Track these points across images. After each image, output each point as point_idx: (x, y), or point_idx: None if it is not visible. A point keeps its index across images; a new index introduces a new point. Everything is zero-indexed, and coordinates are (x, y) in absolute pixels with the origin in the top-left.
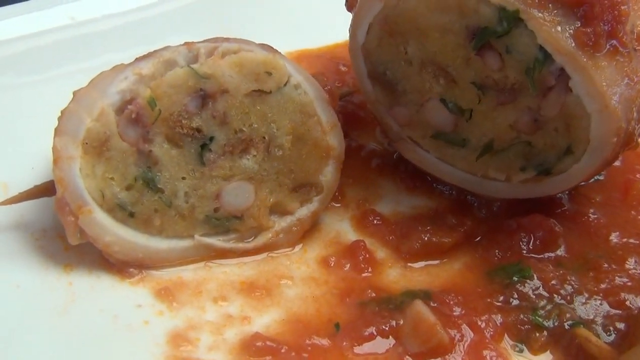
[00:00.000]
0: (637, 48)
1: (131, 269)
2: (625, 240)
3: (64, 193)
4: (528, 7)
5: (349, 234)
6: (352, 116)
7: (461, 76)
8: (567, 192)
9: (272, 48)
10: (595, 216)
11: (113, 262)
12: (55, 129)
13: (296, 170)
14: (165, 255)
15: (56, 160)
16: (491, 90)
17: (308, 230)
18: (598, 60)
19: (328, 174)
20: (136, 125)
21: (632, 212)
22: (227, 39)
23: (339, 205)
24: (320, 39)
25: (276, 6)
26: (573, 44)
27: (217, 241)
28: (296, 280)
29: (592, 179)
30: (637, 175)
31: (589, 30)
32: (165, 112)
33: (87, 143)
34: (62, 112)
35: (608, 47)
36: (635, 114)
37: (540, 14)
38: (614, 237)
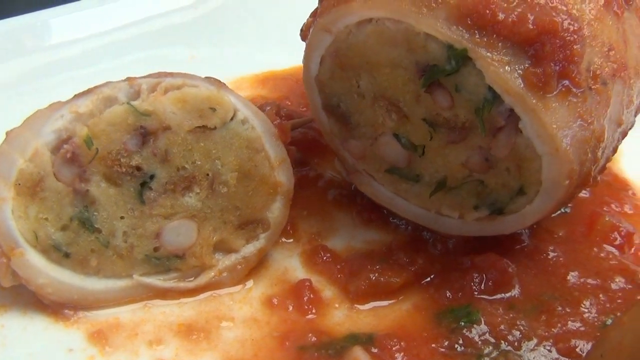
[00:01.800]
0: (592, 87)
1: (66, 311)
2: (583, 280)
3: None
4: (476, 45)
5: (298, 271)
6: (312, 143)
7: (412, 112)
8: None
9: (219, 82)
10: (555, 254)
11: (47, 304)
12: None
13: (242, 207)
14: (102, 296)
15: None
16: (442, 128)
17: (255, 268)
18: (549, 102)
19: (276, 211)
20: (72, 165)
21: (595, 248)
22: (170, 74)
23: (290, 240)
24: (288, 60)
25: (244, 26)
26: (522, 85)
27: (156, 281)
28: (237, 322)
29: (558, 212)
30: (605, 208)
31: (539, 71)
32: (102, 151)
33: (19, 184)
34: None
35: (560, 87)
36: (589, 155)
37: (488, 53)
38: (572, 277)
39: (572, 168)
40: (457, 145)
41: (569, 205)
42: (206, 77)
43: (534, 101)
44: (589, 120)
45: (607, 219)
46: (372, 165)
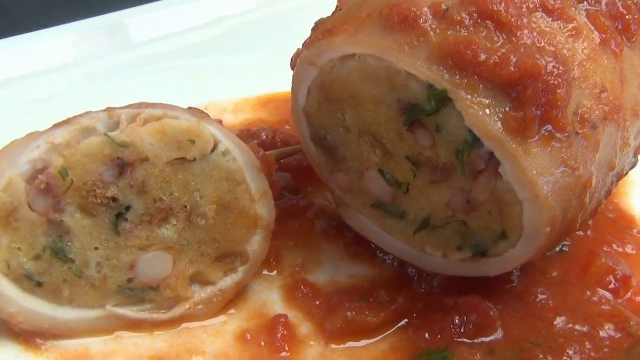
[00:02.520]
0: (579, 132)
1: (37, 340)
2: (570, 326)
3: None
4: (456, 87)
5: (277, 305)
6: (307, 171)
7: (396, 149)
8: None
9: (202, 113)
10: (545, 296)
11: (18, 332)
12: None
13: (220, 239)
14: (74, 326)
15: None
16: (425, 167)
17: (233, 300)
18: (530, 147)
19: (255, 244)
20: (47, 196)
21: (587, 292)
22: (152, 105)
23: (272, 272)
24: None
25: (248, 48)
26: (502, 129)
27: (129, 312)
28: (208, 356)
29: (556, 249)
30: (605, 248)
31: (520, 115)
32: (78, 182)
33: None
34: None
35: (543, 132)
36: (574, 201)
37: (468, 96)
38: (559, 322)
39: (554, 215)
40: (439, 185)
41: (567, 243)
42: (189, 108)
43: (514, 146)
44: (574, 166)
45: (603, 260)
46: (359, 199)
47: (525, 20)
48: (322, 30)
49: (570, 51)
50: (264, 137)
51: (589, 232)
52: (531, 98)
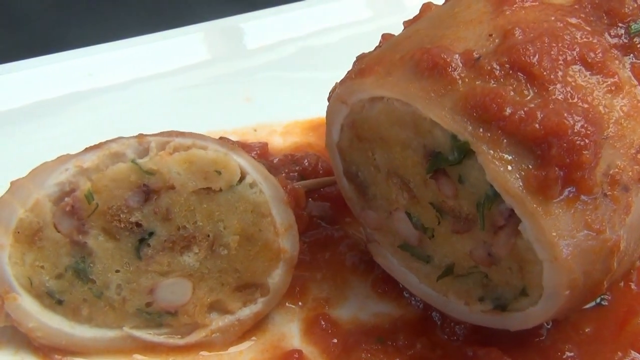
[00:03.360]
0: (608, 193)
1: (55, 355)
2: None
3: None
4: (478, 140)
5: (294, 338)
6: (345, 201)
7: (421, 194)
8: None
9: (231, 144)
10: (572, 354)
11: (37, 346)
12: None
13: (242, 270)
14: (91, 344)
15: None
16: (448, 215)
17: (252, 329)
18: (551, 207)
19: (276, 277)
20: (71, 217)
21: (619, 353)
22: (182, 134)
23: (297, 304)
24: None
25: (302, 71)
26: (522, 187)
27: (146, 335)
28: None
29: (594, 302)
30: None
31: (542, 174)
32: (103, 206)
33: (18, 232)
34: None
35: (566, 193)
36: (599, 265)
37: (490, 150)
38: None
39: (575, 278)
40: (462, 235)
41: (606, 297)
42: (220, 138)
43: (534, 206)
44: (599, 229)
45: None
46: (387, 238)
47: (559, 74)
48: (356, 69)
49: (607, 108)
50: (306, 163)
51: (632, 286)
52: (555, 158)
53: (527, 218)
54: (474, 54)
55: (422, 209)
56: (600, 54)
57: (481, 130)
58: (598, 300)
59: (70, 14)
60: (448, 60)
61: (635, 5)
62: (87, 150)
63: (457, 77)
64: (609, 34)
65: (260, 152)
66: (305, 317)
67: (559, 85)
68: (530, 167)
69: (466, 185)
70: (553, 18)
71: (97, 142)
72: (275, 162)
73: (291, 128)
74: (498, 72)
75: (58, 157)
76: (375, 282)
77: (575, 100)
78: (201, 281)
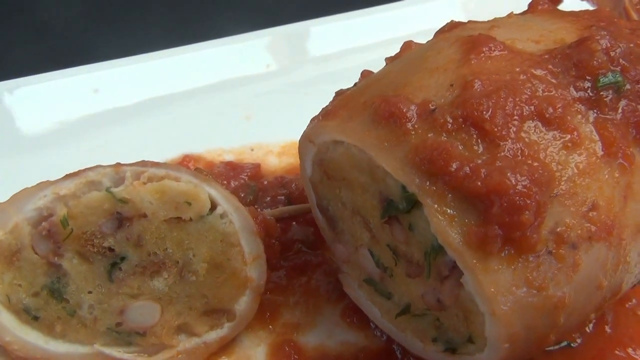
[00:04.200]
0: (553, 251)
1: None
2: None
3: None
4: (424, 193)
5: None
6: None
7: (379, 236)
8: None
9: (205, 176)
10: None
11: (14, 359)
12: None
13: (209, 295)
14: (64, 359)
15: None
16: (402, 259)
17: (219, 351)
18: (490, 263)
19: (243, 304)
20: (48, 240)
21: None
22: (156, 164)
23: (267, 328)
24: None
25: (303, 94)
26: (462, 242)
27: (115, 352)
28: None
29: (564, 343)
30: (616, 351)
31: (482, 231)
32: (78, 231)
33: None
34: None
35: (507, 250)
36: (543, 320)
37: (435, 204)
38: None
39: (514, 332)
40: (414, 279)
41: (578, 340)
42: (195, 169)
43: (473, 261)
44: (541, 287)
45: None
46: (354, 271)
47: (512, 130)
48: (324, 110)
49: (560, 165)
50: (294, 187)
51: (607, 329)
52: (495, 216)
53: (467, 272)
54: (431, 105)
55: (381, 249)
56: (560, 109)
57: (428, 183)
58: (566, 342)
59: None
60: (404, 110)
61: (605, 59)
62: (67, 177)
63: (411, 128)
64: (575, 87)
65: (252, 174)
66: (273, 341)
67: (510, 142)
68: (472, 222)
69: (415, 233)
70: (518, 69)
71: (76, 170)
72: (265, 183)
73: (288, 149)
74: (450, 125)
75: (38, 184)
76: (345, 311)
77: (524, 157)
78: (169, 304)
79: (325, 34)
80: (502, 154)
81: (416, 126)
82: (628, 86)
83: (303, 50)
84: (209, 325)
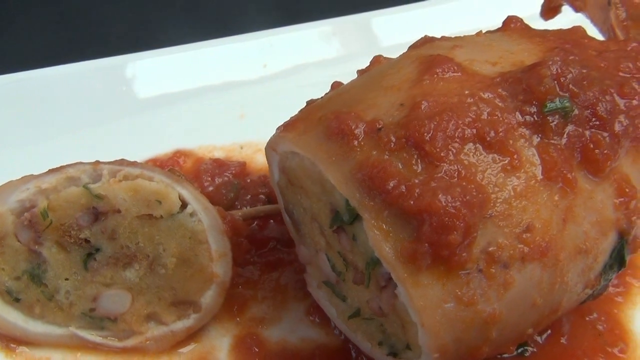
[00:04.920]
0: (482, 269)
1: (11, 344)
2: None
3: None
4: (363, 208)
5: (222, 353)
6: None
7: (332, 243)
8: None
9: (178, 176)
10: None
11: None
12: None
13: (177, 288)
14: (42, 338)
15: None
16: (350, 266)
17: (186, 339)
18: (420, 278)
19: (209, 298)
20: (29, 230)
21: None
22: (132, 163)
23: (234, 320)
24: None
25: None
26: (394, 256)
27: (89, 335)
28: None
29: (516, 352)
30: None
31: (412, 247)
32: (56, 222)
33: None
34: None
35: (437, 266)
36: (474, 333)
37: (372, 220)
38: None
39: (443, 343)
40: (360, 286)
41: (530, 348)
42: (168, 170)
43: (404, 274)
44: (470, 302)
45: None
46: (315, 273)
47: (452, 151)
48: (287, 121)
49: (497, 187)
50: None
51: (563, 340)
52: (425, 234)
53: (400, 284)
54: (378, 123)
55: (334, 255)
56: (502, 133)
57: (367, 198)
58: (520, 350)
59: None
60: (352, 127)
61: (553, 85)
62: (49, 172)
63: (357, 145)
64: (521, 112)
65: (237, 172)
66: (238, 333)
67: (447, 163)
68: (405, 238)
69: (358, 244)
70: (467, 92)
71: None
72: (248, 181)
73: None
74: (393, 144)
75: (22, 177)
76: (309, 309)
77: (460, 179)
78: (140, 294)
79: (326, 37)
80: (439, 174)
81: (362, 143)
82: (576, 111)
83: (303, 52)
84: (177, 315)
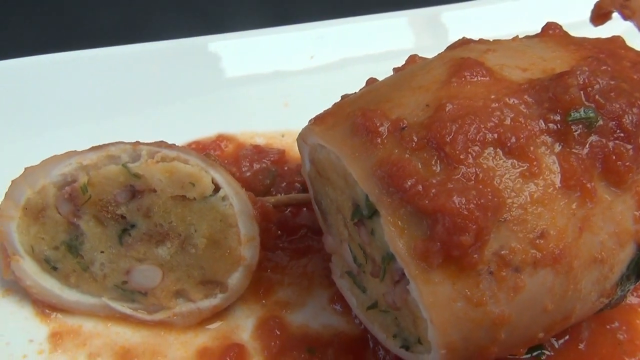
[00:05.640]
0: (493, 271)
1: (46, 309)
2: None
3: (2, 242)
4: (381, 204)
5: (245, 333)
6: None
7: (353, 235)
8: None
9: (213, 161)
10: None
11: (34, 300)
12: (5, 194)
13: (206, 267)
14: (75, 306)
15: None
16: (369, 259)
17: (211, 317)
18: (431, 275)
19: (235, 279)
20: (69, 203)
21: None
22: (170, 146)
23: (260, 302)
24: None
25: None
26: (407, 252)
27: (119, 306)
28: None
29: (532, 354)
30: None
31: (426, 245)
32: (95, 198)
33: (26, 208)
34: (12, 181)
35: (448, 265)
36: (482, 333)
37: (389, 216)
38: None
39: (450, 340)
40: (376, 279)
41: (547, 352)
42: (204, 154)
43: (416, 271)
44: (479, 302)
45: None
46: (339, 262)
47: (471, 155)
48: (319, 114)
49: (513, 192)
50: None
51: (581, 346)
52: (438, 233)
53: (411, 280)
54: (402, 122)
55: (356, 247)
56: (523, 139)
57: (385, 195)
58: (536, 352)
59: None
60: (377, 125)
61: (578, 95)
62: (92, 149)
63: (380, 142)
64: (545, 119)
65: (275, 159)
66: (262, 315)
67: (466, 166)
68: (419, 236)
69: (376, 238)
70: (493, 97)
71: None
72: (286, 169)
73: None
74: (415, 144)
75: (66, 152)
76: (333, 297)
77: (477, 182)
78: (170, 271)
79: (373, 32)
80: (457, 176)
81: (385, 141)
82: (601, 122)
83: (349, 47)
84: (204, 293)
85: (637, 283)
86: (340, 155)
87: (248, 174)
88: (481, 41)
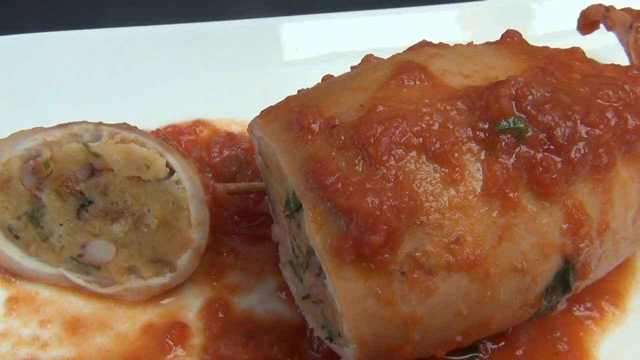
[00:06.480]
0: (405, 272)
1: (7, 275)
2: None
3: None
4: (304, 198)
5: (191, 312)
6: None
7: (289, 226)
8: None
9: (170, 145)
10: None
11: None
12: None
13: (157, 247)
14: (33, 274)
15: None
16: (300, 250)
17: (161, 295)
18: (345, 271)
19: (184, 260)
20: (33, 176)
21: None
22: (131, 128)
23: (208, 285)
24: None
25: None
26: (323, 247)
27: (74, 277)
28: (112, 332)
29: (469, 355)
30: None
31: (340, 242)
32: (56, 173)
33: None
34: None
35: (361, 263)
36: (393, 331)
37: (309, 211)
38: None
39: (361, 336)
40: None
41: (480, 355)
42: (163, 138)
43: (330, 266)
44: (389, 301)
45: None
46: (284, 252)
47: (394, 157)
48: (266, 108)
49: (432, 196)
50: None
51: (518, 352)
52: (351, 231)
53: (327, 274)
54: (335, 121)
55: (292, 237)
56: (448, 145)
57: (309, 190)
58: (470, 355)
59: None
60: (310, 122)
61: (508, 105)
62: (57, 127)
63: (311, 139)
64: (474, 127)
65: (246, 147)
66: (210, 297)
67: (386, 167)
68: (335, 232)
69: (301, 231)
70: (426, 101)
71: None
72: (254, 157)
73: None
74: (342, 142)
75: (33, 128)
76: (281, 285)
77: (395, 184)
78: (123, 248)
79: (361, 28)
80: (376, 177)
81: (315, 138)
82: (530, 133)
83: (335, 41)
84: (154, 272)
85: (566, 295)
86: (275, 149)
87: (217, 159)
88: (436, 45)
